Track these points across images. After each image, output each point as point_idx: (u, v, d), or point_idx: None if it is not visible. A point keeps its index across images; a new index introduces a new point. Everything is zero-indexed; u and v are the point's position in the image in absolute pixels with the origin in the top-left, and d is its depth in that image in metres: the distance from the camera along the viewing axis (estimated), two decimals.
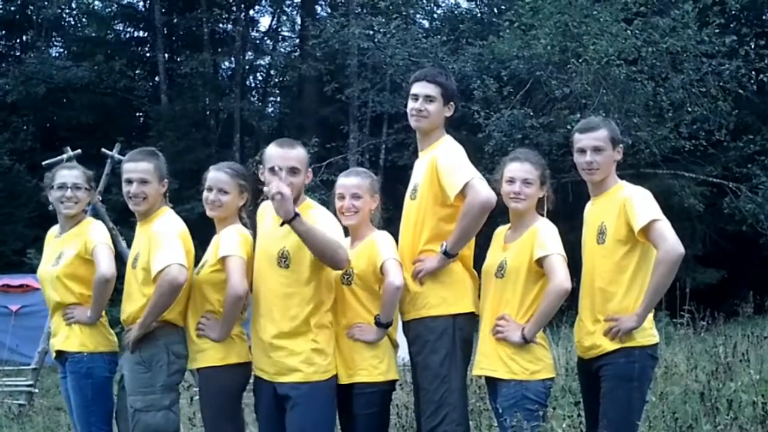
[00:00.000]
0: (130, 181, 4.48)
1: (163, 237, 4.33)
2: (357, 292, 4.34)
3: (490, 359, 4.30)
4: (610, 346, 4.14)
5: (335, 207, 4.48)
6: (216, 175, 4.46)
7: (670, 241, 4.03)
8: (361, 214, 4.41)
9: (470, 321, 4.37)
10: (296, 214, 3.99)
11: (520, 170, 4.33)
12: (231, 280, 4.19)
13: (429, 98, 4.41)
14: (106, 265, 4.56)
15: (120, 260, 4.74)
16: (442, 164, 4.28)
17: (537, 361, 4.24)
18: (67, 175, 4.80)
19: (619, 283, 4.16)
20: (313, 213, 4.25)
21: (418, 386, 4.37)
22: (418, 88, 4.45)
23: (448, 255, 4.26)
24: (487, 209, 4.16)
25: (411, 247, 4.39)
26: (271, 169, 4.19)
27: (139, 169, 4.48)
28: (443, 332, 4.26)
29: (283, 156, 4.22)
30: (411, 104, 4.47)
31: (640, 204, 4.14)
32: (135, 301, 4.44)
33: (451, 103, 4.48)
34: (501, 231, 4.50)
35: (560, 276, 4.13)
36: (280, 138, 4.48)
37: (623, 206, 4.16)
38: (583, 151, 4.29)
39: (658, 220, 4.08)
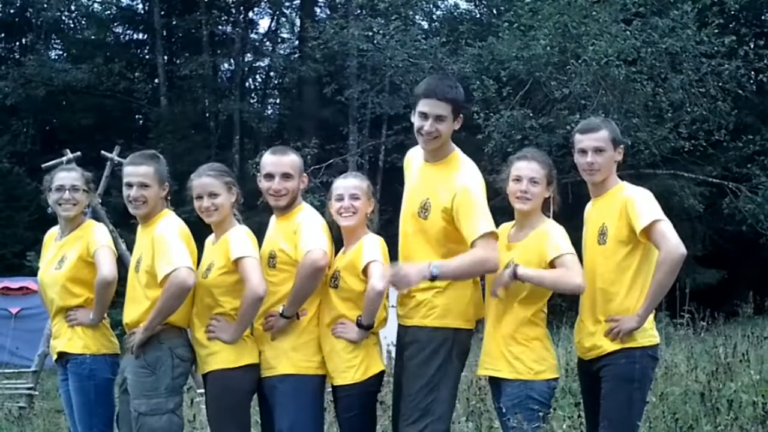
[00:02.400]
0: (130, 185, 4.46)
1: (168, 240, 4.32)
2: (343, 296, 4.33)
3: (494, 359, 4.28)
4: (610, 346, 4.14)
5: (331, 210, 4.45)
6: (201, 181, 4.41)
7: (672, 241, 4.03)
8: (359, 215, 4.39)
9: (470, 335, 4.33)
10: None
11: (527, 169, 4.31)
12: (251, 281, 4.18)
13: (440, 118, 4.15)
14: (107, 268, 4.55)
15: (120, 263, 4.74)
16: (463, 203, 4.10)
17: (542, 361, 4.23)
18: (65, 177, 4.79)
19: (620, 283, 4.16)
20: (300, 216, 4.35)
21: (401, 389, 4.27)
22: (428, 106, 4.13)
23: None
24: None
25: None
26: (267, 175, 4.37)
27: (139, 173, 4.46)
28: (442, 344, 4.20)
29: (276, 162, 4.39)
30: (419, 122, 4.16)
31: (641, 205, 4.14)
32: (139, 305, 4.41)
33: (461, 115, 4.28)
34: (504, 230, 4.44)
35: (576, 274, 4.14)
36: (278, 140, 4.53)
37: (624, 207, 4.15)
38: (584, 151, 4.28)
39: (660, 221, 4.08)
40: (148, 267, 4.36)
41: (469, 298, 4.27)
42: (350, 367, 4.29)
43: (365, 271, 4.23)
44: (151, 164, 4.51)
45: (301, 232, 4.26)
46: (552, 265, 4.17)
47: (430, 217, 4.19)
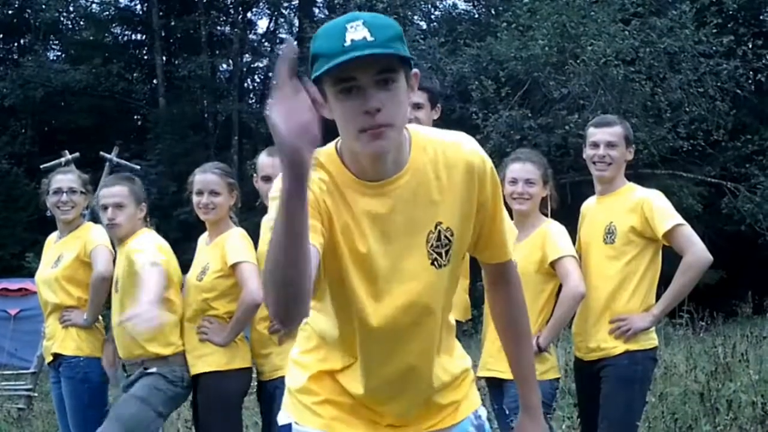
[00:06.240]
0: (105, 207, 4.41)
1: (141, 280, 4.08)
2: None
3: (496, 360, 4.25)
4: (616, 349, 4.11)
5: None
6: (204, 177, 4.36)
7: (699, 246, 4.06)
8: None
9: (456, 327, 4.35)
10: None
11: (522, 170, 4.29)
12: (248, 287, 4.11)
13: (417, 106, 4.23)
14: (103, 265, 4.52)
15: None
16: None
17: (545, 361, 4.18)
18: (62, 179, 4.78)
19: (626, 284, 4.12)
20: None
21: None
22: None
23: None
24: None
25: None
26: (265, 178, 4.26)
27: (113, 194, 4.41)
28: None
29: (276, 165, 4.27)
30: None
31: (662, 207, 4.14)
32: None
33: (438, 105, 4.39)
34: None
35: (574, 280, 4.07)
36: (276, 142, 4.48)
37: (641, 207, 4.12)
38: (596, 145, 4.27)
39: (683, 225, 4.08)
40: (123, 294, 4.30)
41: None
42: None
43: None
44: (125, 184, 4.45)
45: None
46: (552, 266, 4.17)
47: None
